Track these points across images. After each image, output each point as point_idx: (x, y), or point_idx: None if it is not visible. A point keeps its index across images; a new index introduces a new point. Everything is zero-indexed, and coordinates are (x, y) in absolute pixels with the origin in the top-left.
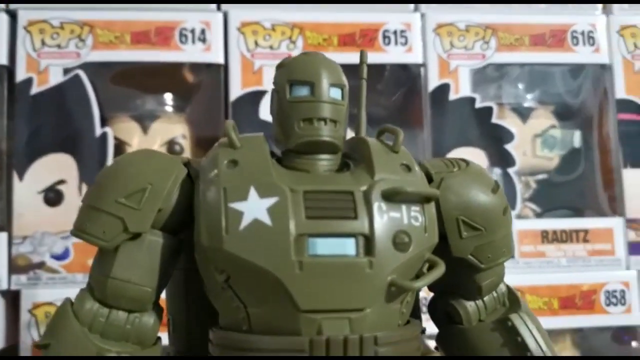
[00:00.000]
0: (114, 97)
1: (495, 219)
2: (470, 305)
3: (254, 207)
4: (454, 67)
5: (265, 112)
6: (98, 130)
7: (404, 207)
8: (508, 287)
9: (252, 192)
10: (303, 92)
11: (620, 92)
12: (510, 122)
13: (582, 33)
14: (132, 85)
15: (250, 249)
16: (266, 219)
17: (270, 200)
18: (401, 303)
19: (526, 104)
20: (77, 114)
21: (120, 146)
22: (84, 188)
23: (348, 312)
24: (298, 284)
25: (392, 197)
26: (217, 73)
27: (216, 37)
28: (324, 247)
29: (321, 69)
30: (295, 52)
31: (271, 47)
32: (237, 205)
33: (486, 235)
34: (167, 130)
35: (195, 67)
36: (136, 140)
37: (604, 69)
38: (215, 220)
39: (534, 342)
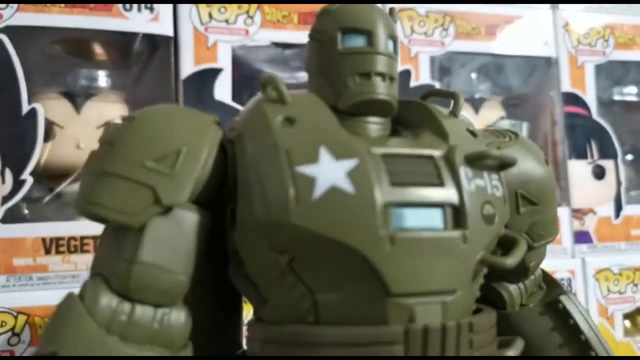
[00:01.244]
0: (41, 69)
1: (549, 192)
2: (513, 288)
3: (329, 172)
4: (414, 53)
5: (221, 92)
6: (25, 107)
7: (485, 174)
8: (542, 269)
9: (324, 154)
10: (359, 42)
11: (566, 85)
12: (463, 112)
13: (532, 26)
14: (63, 56)
15: (327, 222)
16: (346, 186)
17: (349, 163)
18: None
19: (478, 95)
20: None
21: (47, 128)
22: (8, 176)
23: (441, 294)
24: (389, 262)
25: (477, 162)
26: (167, 47)
27: (165, 6)
28: (413, 218)
29: (378, 17)
30: (252, 29)
31: (227, 22)
32: (305, 170)
33: (541, 210)
34: (104, 111)
35: (141, 38)
36: (67, 120)
37: (550, 63)
38: (277, 189)
39: (587, 325)
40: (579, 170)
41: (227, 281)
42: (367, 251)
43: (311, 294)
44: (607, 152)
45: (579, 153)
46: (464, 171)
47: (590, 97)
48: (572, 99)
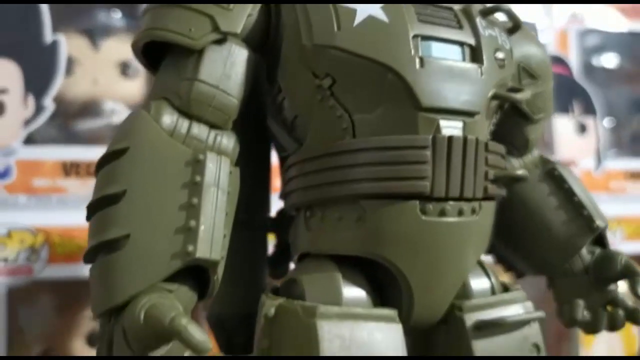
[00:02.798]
0: (62, 7)
1: (547, 69)
2: (515, 162)
3: (367, 5)
4: None
5: None
6: (48, 37)
7: (497, 29)
8: (541, 154)
9: None
10: None
11: (551, 48)
12: None
13: None
14: None
15: (366, 44)
16: (382, 16)
17: None
18: (488, 129)
19: None
20: (23, 16)
21: (68, 63)
22: (30, 99)
23: (463, 115)
24: (419, 79)
25: (489, 14)
26: None
27: None
28: (437, 50)
29: None
30: None
31: None
32: (347, 4)
33: (540, 84)
34: (122, 49)
35: None
36: (86, 57)
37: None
38: (322, 18)
39: (579, 188)
40: (562, 125)
41: (257, 148)
42: (401, 68)
43: (349, 115)
44: (588, 110)
45: (563, 110)
46: (479, 21)
47: (572, 59)
48: (556, 60)
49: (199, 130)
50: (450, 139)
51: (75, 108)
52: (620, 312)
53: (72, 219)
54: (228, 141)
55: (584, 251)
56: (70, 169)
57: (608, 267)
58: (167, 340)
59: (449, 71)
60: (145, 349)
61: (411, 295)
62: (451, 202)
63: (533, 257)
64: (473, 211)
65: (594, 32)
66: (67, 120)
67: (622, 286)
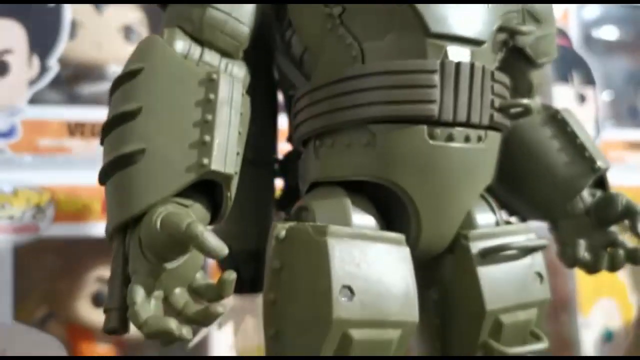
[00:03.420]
0: None
1: (551, 13)
2: None
3: None
4: None
5: None
6: None
7: None
8: (543, 103)
9: None
10: None
11: None
12: None
13: None
14: None
15: None
16: None
17: None
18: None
19: None
20: None
21: (71, 26)
22: (34, 60)
23: (470, 43)
24: (428, 6)
25: None
26: None
27: None
28: None
29: None
30: None
31: None
32: None
33: (544, 27)
34: (125, 14)
35: None
36: (89, 20)
37: None
38: None
39: (582, 131)
40: (562, 94)
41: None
42: None
43: (358, 42)
44: (587, 80)
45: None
46: None
47: (572, 31)
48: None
49: (211, 57)
50: (458, 64)
51: (80, 71)
52: (621, 252)
53: (77, 178)
54: (239, 70)
55: (585, 193)
56: (75, 129)
57: (609, 208)
58: (182, 248)
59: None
60: (160, 258)
61: (419, 221)
62: (458, 128)
63: (536, 199)
64: (479, 139)
65: (594, 5)
66: (72, 83)
67: None
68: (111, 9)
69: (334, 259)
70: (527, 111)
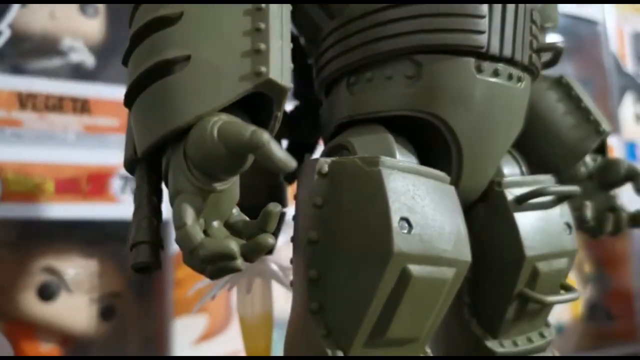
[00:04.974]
0: None
1: None
2: None
3: None
4: None
5: None
6: None
7: None
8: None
9: None
10: None
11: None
12: None
13: None
14: None
15: None
16: None
17: None
18: None
19: None
20: None
21: None
22: None
23: None
24: None
25: None
26: None
27: None
28: None
29: None
30: None
31: None
32: None
33: None
34: None
35: None
36: None
37: None
38: None
39: (586, 97)
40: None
41: None
42: None
43: None
44: None
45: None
46: None
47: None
48: None
49: None
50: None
51: (32, 43)
52: (624, 214)
53: (29, 154)
54: None
55: (588, 158)
56: (26, 100)
57: (612, 171)
58: (240, 161)
59: None
60: (211, 174)
61: (461, 159)
62: (502, 65)
63: (544, 161)
64: (519, 79)
65: None
66: (24, 56)
67: None
68: None
69: (389, 189)
70: (557, 57)
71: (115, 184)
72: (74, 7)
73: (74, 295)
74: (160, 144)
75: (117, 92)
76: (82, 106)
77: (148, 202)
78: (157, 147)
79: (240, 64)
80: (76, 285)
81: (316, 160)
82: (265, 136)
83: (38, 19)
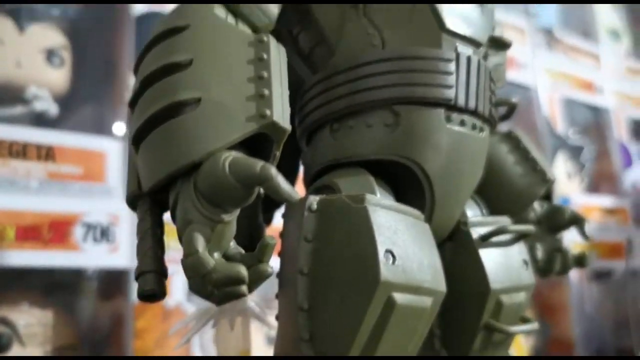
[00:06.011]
0: None
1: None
2: None
3: None
4: None
5: None
6: None
7: None
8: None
9: None
10: None
11: None
12: None
13: None
14: None
15: None
16: None
17: None
18: None
19: None
20: None
21: None
22: None
23: (473, 44)
24: (443, 7)
25: None
26: None
27: None
28: None
29: None
30: None
31: None
32: None
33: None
34: (47, 35)
35: None
36: (10, 38)
37: None
38: None
39: (534, 149)
40: None
41: None
42: None
43: (379, 32)
44: None
45: None
46: None
47: None
48: None
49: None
50: (469, 57)
51: None
52: (571, 255)
53: None
54: None
55: (536, 204)
56: None
57: (558, 216)
58: (248, 193)
59: (462, 7)
60: (219, 206)
61: (433, 198)
62: (467, 116)
63: (498, 206)
64: (481, 129)
65: None
66: None
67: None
68: (33, 28)
69: (375, 224)
70: (511, 111)
71: (77, 232)
72: (40, 57)
73: (26, 348)
74: (170, 178)
75: (82, 141)
76: (46, 153)
77: (152, 234)
78: (167, 181)
79: (247, 106)
80: (29, 337)
81: (305, 198)
82: (273, 170)
83: (3, 68)
